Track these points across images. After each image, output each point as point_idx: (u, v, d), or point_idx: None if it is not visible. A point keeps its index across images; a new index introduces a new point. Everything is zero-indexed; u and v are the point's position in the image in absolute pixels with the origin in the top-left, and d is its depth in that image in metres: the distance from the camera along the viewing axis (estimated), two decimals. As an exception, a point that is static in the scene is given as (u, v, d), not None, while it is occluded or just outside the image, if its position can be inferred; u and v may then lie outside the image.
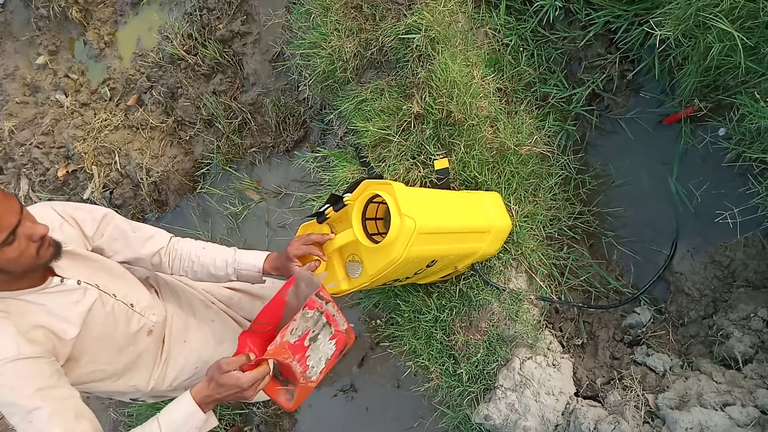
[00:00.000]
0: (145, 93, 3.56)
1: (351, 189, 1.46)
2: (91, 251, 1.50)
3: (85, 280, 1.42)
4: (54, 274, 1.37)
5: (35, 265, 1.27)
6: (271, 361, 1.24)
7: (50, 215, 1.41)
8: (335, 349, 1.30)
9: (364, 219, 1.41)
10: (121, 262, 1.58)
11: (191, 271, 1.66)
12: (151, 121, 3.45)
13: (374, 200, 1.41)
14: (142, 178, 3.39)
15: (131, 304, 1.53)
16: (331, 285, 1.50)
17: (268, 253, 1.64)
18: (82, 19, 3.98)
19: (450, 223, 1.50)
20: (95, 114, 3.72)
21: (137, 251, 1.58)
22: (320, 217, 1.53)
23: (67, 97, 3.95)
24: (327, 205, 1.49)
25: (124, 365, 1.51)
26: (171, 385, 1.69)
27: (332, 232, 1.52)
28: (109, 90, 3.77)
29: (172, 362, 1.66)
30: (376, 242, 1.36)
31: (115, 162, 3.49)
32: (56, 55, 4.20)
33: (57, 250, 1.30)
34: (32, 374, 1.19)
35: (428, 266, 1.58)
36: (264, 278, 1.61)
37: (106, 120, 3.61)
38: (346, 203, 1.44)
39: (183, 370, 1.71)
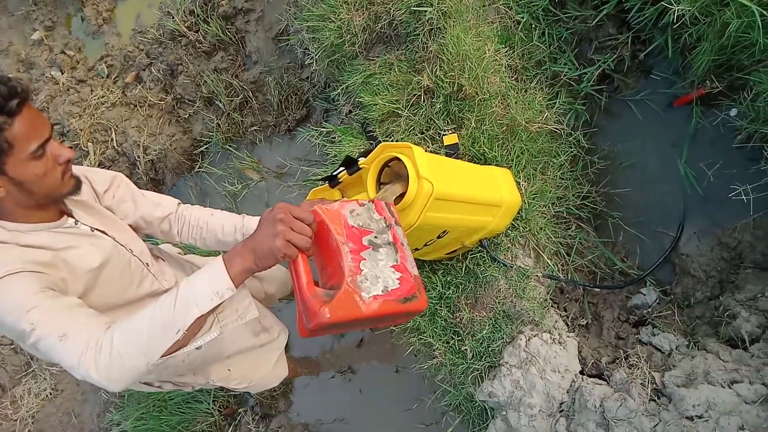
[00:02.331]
0: (144, 70, 3.50)
1: (365, 155, 1.44)
2: None
3: (99, 228, 1.38)
4: (70, 216, 1.34)
5: (57, 191, 1.24)
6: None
7: None
8: (398, 287, 1.06)
9: (378, 183, 1.38)
10: (129, 226, 1.54)
11: (200, 238, 1.62)
12: (149, 98, 3.40)
13: (389, 164, 1.38)
14: (138, 156, 3.33)
15: (147, 264, 1.49)
16: None
17: None
18: (81, -5, 3.91)
19: (465, 191, 1.48)
20: (92, 91, 3.65)
21: (147, 213, 1.54)
22: (333, 181, 1.50)
23: (63, 73, 3.88)
24: (341, 169, 1.46)
25: None
26: (183, 361, 1.64)
27: (344, 197, 1.50)
28: (107, 67, 3.71)
29: None
30: None
31: (112, 139, 3.43)
32: (52, 31, 4.12)
33: (78, 183, 1.29)
34: (36, 281, 1.13)
35: (439, 237, 1.56)
36: None
37: (102, 97, 3.55)
38: (360, 167, 1.41)
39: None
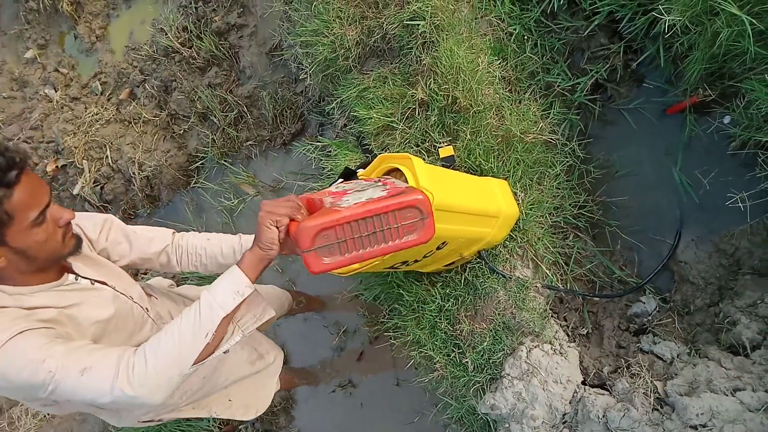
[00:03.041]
0: (138, 86, 3.51)
1: (363, 167, 1.44)
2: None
3: (99, 279, 1.38)
4: (70, 271, 1.33)
5: (59, 254, 1.24)
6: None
7: None
8: (384, 195, 1.10)
9: None
10: (127, 266, 1.54)
11: (201, 264, 1.61)
12: (143, 114, 3.40)
13: (387, 176, 1.38)
14: (134, 173, 3.33)
15: (147, 309, 1.49)
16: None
17: None
18: (73, 13, 3.92)
19: (464, 202, 1.48)
20: (86, 108, 3.66)
21: (144, 251, 1.54)
22: None
23: (56, 91, 3.88)
24: (339, 180, 1.45)
25: None
26: (182, 397, 1.64)
27: None
28: (101, 84, 3.71)
29: None
30: None
31: (107, 156, 3.43)
32: (45, 49, 4.13)
33: (78, 241, 1.29)
34: (43, 335, 1.14)
35: (438, 248, 1.55)
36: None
37: (97, 114, 3.55)
38: (359, 178, 1.41)
39: (191, 380, 1.65)
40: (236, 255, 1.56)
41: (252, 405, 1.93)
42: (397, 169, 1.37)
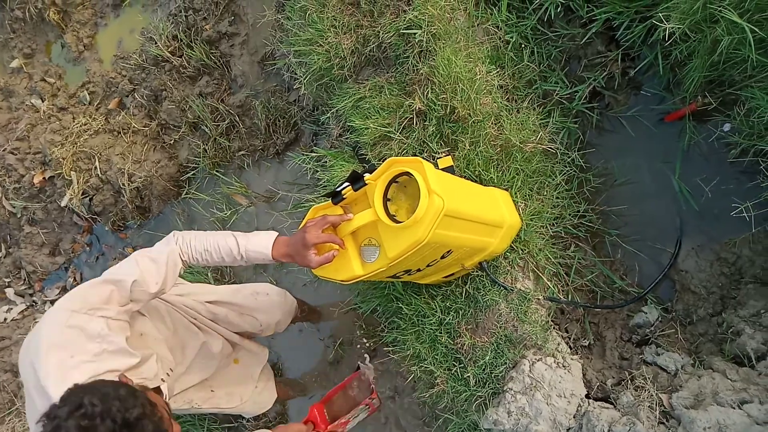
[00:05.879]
0: (127, 96, 3.46)
1: (370, 171, 1.40)
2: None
3: None
4: None
5: None
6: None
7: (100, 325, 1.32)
8: (367, 414, 1.95)
9: (385, 200, 1.34)
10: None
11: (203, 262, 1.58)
12: (133, 124, 3.34)
13: (396, 180, 1.34)
14: (123, 184, 3.27)
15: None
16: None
17: (275, 235, 1.54)
18: (60, 22, 3.86)
19: (472, 210, 1.45)
20: (74, 118, 3.59)
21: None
22: (336, 197, 1.44)
23: (43, 101, 3.81)
24: (346, 184, 1.41)
25: None
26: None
27: (347, 214, 1.45)
28: (89, 94, 3.65)
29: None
30: (398, 222, 1.30)
31: (95, 167, 3.36)
32: (32, 58, 4.06)
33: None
34: None
35: (443, 257, 1.52)
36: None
37: (85, 124, 3.48)
38: (366, 182, 1.37)
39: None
40: (236, 257, 1.53)
41: (235, 393, 1.97)
42: (405, 174, 1.33)
